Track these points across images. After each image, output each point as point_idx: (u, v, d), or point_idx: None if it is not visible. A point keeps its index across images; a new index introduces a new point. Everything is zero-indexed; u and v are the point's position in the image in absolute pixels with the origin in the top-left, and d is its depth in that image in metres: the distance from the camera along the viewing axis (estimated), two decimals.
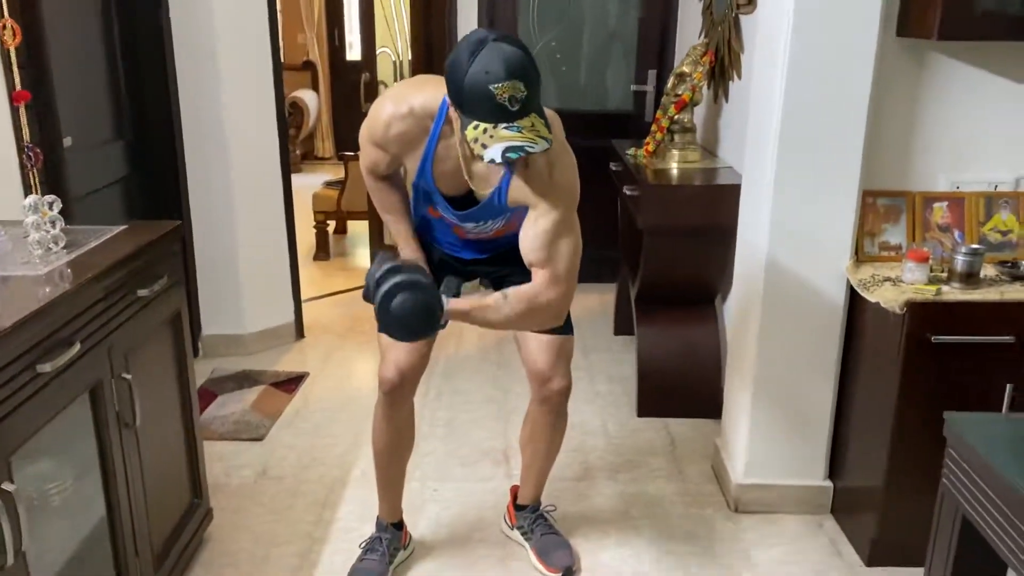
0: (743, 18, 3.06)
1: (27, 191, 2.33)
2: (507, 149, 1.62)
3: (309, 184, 5.94)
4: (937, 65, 2.33)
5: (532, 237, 1.85)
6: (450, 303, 1.85)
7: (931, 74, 2.34)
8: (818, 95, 2.27)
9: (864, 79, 2.24)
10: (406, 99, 1.90)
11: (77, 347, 1.66)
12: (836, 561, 2.40)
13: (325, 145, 8.39)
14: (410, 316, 1.79)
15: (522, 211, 1.91)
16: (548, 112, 1.88)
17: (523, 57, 1.63)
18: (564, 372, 2.21)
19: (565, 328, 2.19)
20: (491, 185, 1.91)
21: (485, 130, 1.63)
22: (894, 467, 2.23)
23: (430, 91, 1.83)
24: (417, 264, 1.98)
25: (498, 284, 2.21)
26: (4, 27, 2.26)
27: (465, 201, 1.99)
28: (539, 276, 1.87)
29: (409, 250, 2.16)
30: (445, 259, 2.19)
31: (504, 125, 1.62)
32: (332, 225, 5.42)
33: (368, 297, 2.13)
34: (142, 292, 1.97)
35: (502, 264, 2.17)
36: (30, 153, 2.34)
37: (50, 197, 1.93)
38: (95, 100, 3.08)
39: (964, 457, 1.45)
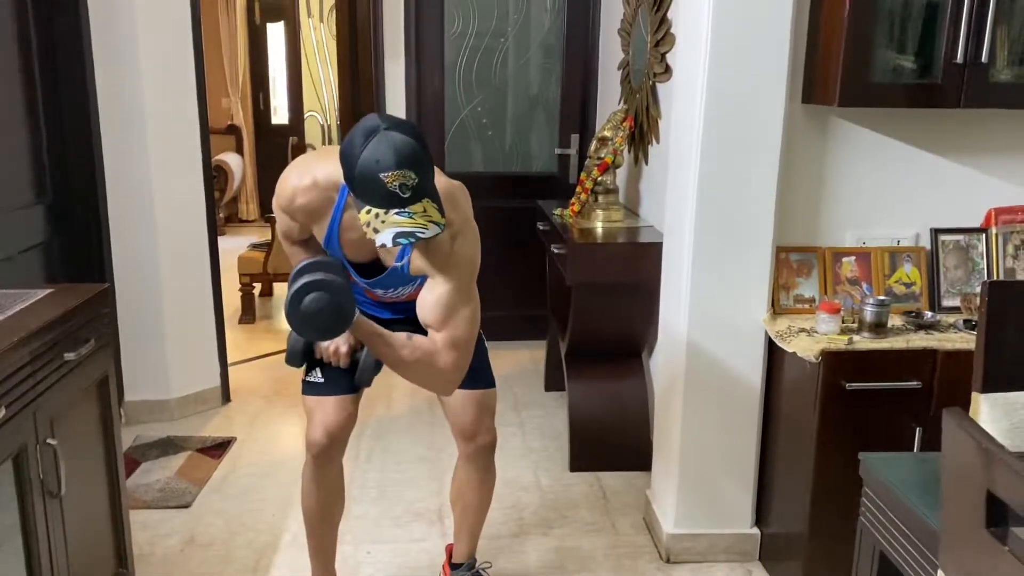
0: (659, 86, 3.22)
1: None
2: (397, 235, 1.66)
3: (233, 247, 5.88)
4: (840, 130, 2.50)
5: (430, 304, 1.88)
6: (360, 317, 1.84)
7: (835, 138, 2.50)
8: (732, 158, 2.40)
9: (774, 142, 2.39)
10: (310, 171, 1.93)
11: (3, 411, 1.62)
12: None
13: (249, 208, 8.34)
14: (320, 315, 1.76)
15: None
16: (455, 184, 1.94)
17: (414, 145, 1.67)
18: (489, 427, 2.24)
19: (488, 382, 2.24)
20: (394, 252, 1.95)
21: (377, 215, 1.67)
22: (816, 511, 2.31)
23: (334, 162, 1.82)
24: (336, 263, 1.93)
25: None
26: None
27: (373, 268, 2.03)
28: (437, 338, 1.89)
29: None
30: (367, 316, 2.22)
31: (395, 211, 1.66)
32: (258, 288, 5.37)
33: (292, 360, 2.13)
34: (69, 356, 1.93)
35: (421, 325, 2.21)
36: None
37: None
38: (15, 163, 3.03)
39: (879, 495, 1.53)
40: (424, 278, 1.97)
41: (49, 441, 1.82)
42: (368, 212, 1.68)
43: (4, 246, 2.82)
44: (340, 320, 1.79)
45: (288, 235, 2.12)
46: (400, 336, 1.91)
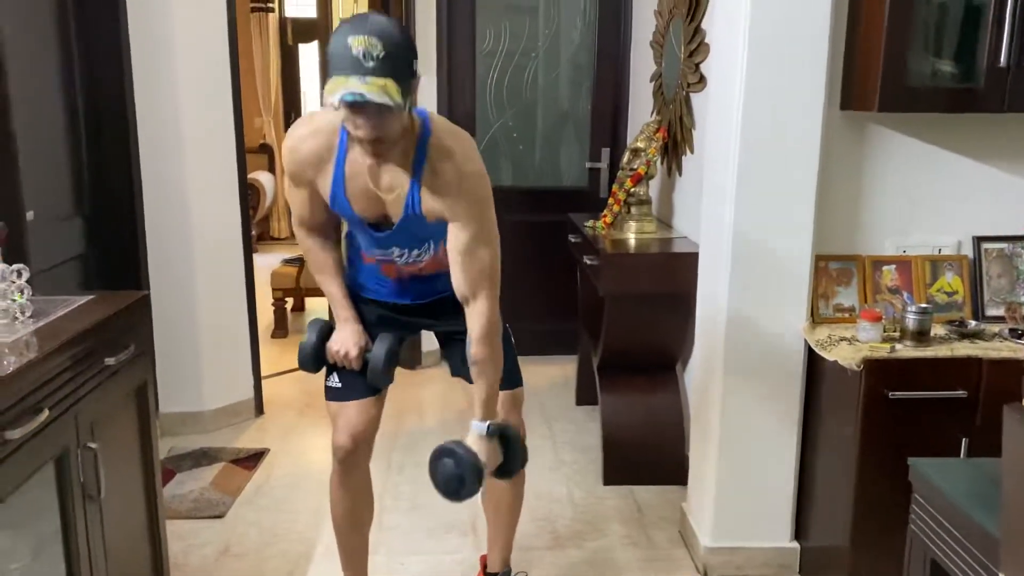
0: (693, 96, 3.21)
1: None
2: (347, 94, 1.66)
3: (265, 264, 5.93)
4: (879, 136, 2.47)
5: (457, 264, 1.91)
6: (480, 434, 1.96)
7: (874, 145, 2.47)
8: (769, 167, 2.38)
9: (812, 150, 2.36)
10: (312, 120, 1.97)
11: (46, 413, 1.63)
12: None
13: (280, 226, 8.41)
14: (451, 479, 1.92)
15: (444, 236, 1.96)
16: (461, 133, 1.94)
17: (389, 24, 1.70)
18: (516, 420, 2.23)
19: (516, 381, 2.22)
20: (400, 191, 1.91)
21: (337, 82, 1.67)
22: (859, 523, 2.26)
23: (334, 112, 1.86)
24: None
25: (446, 341, 2.24)
26: None
27: (386, 226, 2.00)
28: (473, 307, 1.94)
29: (343, 312, 2.14)
30: (384, 315, 2.18)
31: (356, 77, 1.66)
32: (290, 303, 5.40)
33: (305, 365, 2.15)
34: (109, 361, 1.95)
35: (444, 316, 2.18)
36: None
37: (18, 266, 1.92)
38: (57, 175, 3.08)
39: (930, 501, 1.49)
40: (435, 234, 1.98)
41: (90, 445, 1.83)
42: (331, 80, 1.68)
43: (44, 257, 2.85)
44: (463, 485, 1.92)
45: (303, 215, 2.08)
46: (474, 374, 1.98)
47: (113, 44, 3.25)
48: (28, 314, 1.90)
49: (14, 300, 1.89)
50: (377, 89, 1.65)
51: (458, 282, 1.94)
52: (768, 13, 2.29)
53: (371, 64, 1.66)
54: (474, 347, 1.96)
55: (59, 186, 3.10)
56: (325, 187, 1.97)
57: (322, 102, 1.72)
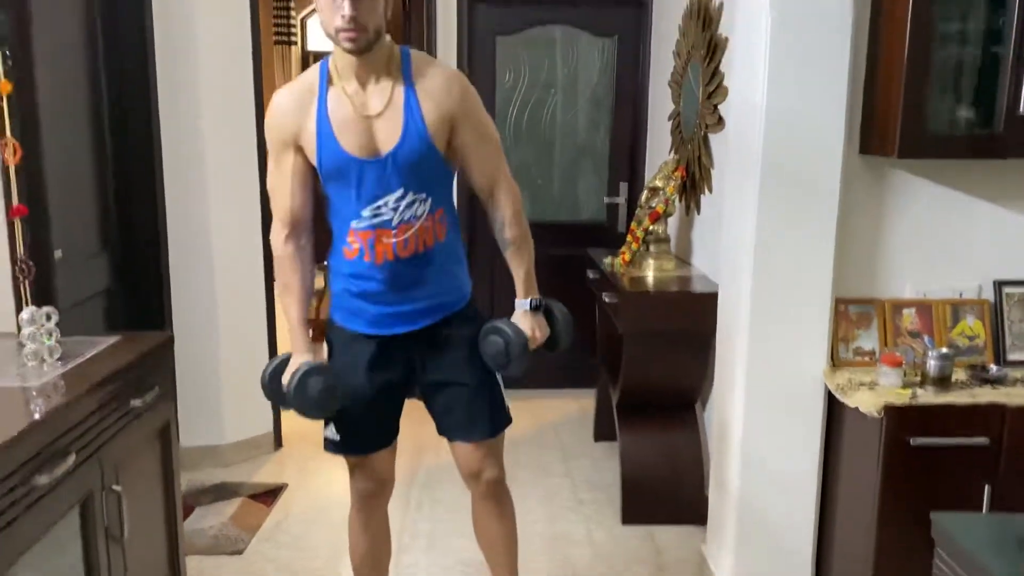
0: (712, 136, 3.23)
1: (18, 303, 2.35)
2: None
3: None
4: (898, 180, 2.47)
5: (470, 167, 2.06)
6: (525, 310, 2.14)
7: (893, 188, 2.48)
8: (789, 210, 2.38)
9: (832, 194, 2.37)
10: (291, 81, 2.08)
11: (72, 458, 1.65)
12: None
13: None
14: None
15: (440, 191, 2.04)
16: (461, 75, 2.06)
17: None
18: (493, 463, 2.23)
19: (496, 428, 2.20)
20: (394, 108, 1.93)
21: None
22: (880, 570, 2.24)
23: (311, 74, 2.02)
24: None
25: (431, 394, 2.18)
26: (5, 145, 2.32)
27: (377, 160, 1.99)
28: (497, 196, 2.10)
29: (299, 341, 2.10)
30: (358, 361, 2.13)
31: None
32: (310, 334, 5.42)
33: (277, 397, 2.15)
34: (135, 402, 1.98)
35: (432, 356, 2.14)
36: (23, 266, 2.37)
37: (48, 309, 1.96)
38: (84, 213, 3.13)
39: (955, 558, 1.48)
40: (436, 205, 2.02)
41: (114, 487, 1.85)
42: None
43: (71, 293, 2.89)
44: (509, 360, 2.07)
45: (283, 208, 2.06)
46: (509, 255, 2.16)
47: (140, 77, 3.31)
48: (56, 356, 1.94)
49: (43, 343, 1.92)
50: None
51: (476, 181, 2.10)
52: (787, 56, 2.31)
53: None
54: (507, 230, 2.13)
55: (86, 225, 3.14)
56: (310, 133, 1.97)
57: None
